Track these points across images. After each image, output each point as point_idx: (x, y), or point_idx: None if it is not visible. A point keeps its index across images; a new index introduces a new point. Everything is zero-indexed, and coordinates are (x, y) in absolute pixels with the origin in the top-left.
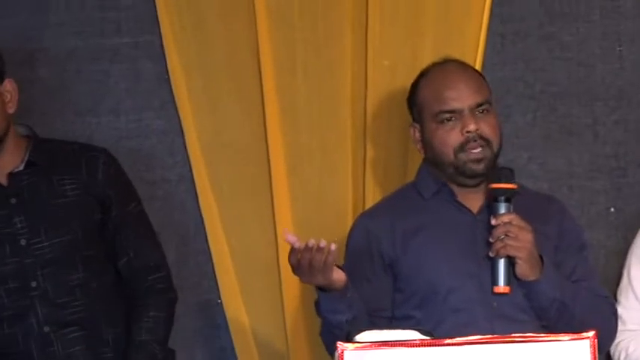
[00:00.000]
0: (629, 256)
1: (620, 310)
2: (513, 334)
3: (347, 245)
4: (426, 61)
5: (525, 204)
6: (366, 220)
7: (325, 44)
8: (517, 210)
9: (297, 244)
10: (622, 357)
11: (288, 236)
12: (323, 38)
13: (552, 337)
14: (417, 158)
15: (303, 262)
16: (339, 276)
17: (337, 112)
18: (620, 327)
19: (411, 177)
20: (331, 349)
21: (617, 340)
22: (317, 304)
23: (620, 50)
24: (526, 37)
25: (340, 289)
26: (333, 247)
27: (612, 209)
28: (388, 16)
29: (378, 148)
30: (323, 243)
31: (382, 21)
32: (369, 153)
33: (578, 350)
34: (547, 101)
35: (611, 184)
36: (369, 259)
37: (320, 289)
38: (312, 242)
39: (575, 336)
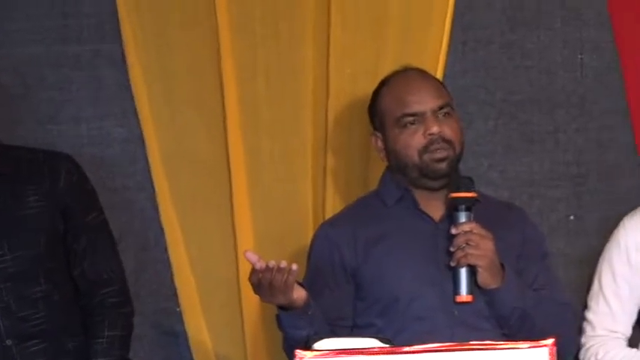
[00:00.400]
0: (600, 261)
1: (590, 315)
2: (472, 342)
3: (309, 254)
4: (387, 68)
5: (486, 212)
6: (327, 228)
7: (287, 52)
8: (478, 218)
9: (257, 265)
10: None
11: (249, 254)
12: (285, 46)
13: (511, 344)
14: (378, 167)
15: (263, 282)
16: (299, 294)
17: (298, 119)
18: (590, 332)
19: (372, 185)
20: None
21: (587, 346)
22: (278, 318)
23: (581, 58)
24: (488, 45)
25: (301, 307)
26: (294, 267)
27: (572, 217)
28: (350, 23)
29: (339, 156)
30: (283, 264)
31: (344, 28)
32: (330, 161)
33: (537, 358)
34: (508, 109)
35: (572, 192)
36: (330, 269)
37: (281, 307)
38: (272, 263)
39: (534, 344)
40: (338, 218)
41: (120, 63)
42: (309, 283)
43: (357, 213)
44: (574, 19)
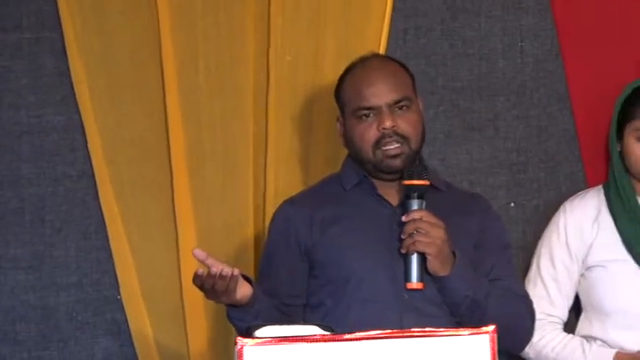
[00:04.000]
0: (539, 245)
1: None
2: (413, 329)
3: (269, 230)
4: (328, 56)
5: (446, 200)
6: (287, 207)
7: (227, 42)
8: (437, 206)
9: (199, 271)
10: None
11: (197, 252)
12: (225, 36)
13: (452, 331)
14: (319, 155)
15: (206, 286)
16: (244, 293)
17: (239, 109)
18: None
19: (313, 174)
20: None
21: None
22: (227, 310)
23: (521, 45)
24: (428, 33)
25: (246, 303)
26: (236, 273)
27: (512, 204)
28: (290, 11)
29: (280, 145)
30: (226, 271)
31: (284, 17)
32: (271, 150)
33: (477, 345)
34: (449, 96)
35: (512, 179)
36: (286, 246)
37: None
38: (214, 270)
39: (475, 330)
40: (299, 197)
41: (60, 51)
42: (266, 259)
43: (317, 193)
44: (514, 7)
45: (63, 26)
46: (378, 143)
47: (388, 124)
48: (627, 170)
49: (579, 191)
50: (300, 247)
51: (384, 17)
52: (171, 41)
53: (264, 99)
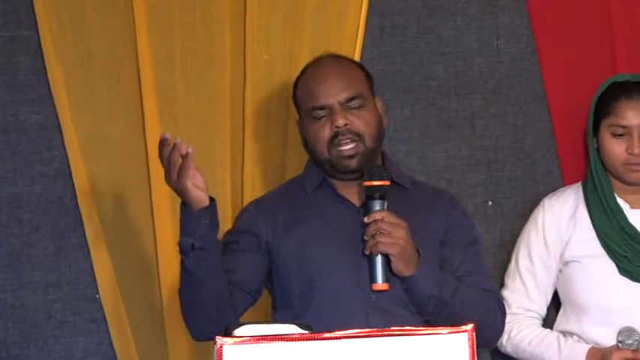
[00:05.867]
0: (518, 240)
1: (506, 293)
2: (392, 328)
3: (233, 224)
4: (304, 54)
5: (413, 198)
6: (252, 207)
7: (204, 40)
8: (403, 204)
9: (161, 135)
10: (504, 340)
11: (164, 135)
12: (201, 34)
13: (431, 330)
14: (296, 153)
15: (162, 156)
16: (197, 193)
17: (216, 107)
18: (505, 310)
19: (290, 172)
20: (185, 310)
21: None
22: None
23: (497, 44)
24: (404, 31)
25: (197, 209)
26: (190, 150)
27: (490, 202)
28: (267, 10)
29: (257, 143)
30: (178, 140)
31: (260, 15)
32: (248, 148)
33: (456, 343)
34: (425, 95)
35: (490, 178)
36: (245, 237)
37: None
38: (167, 135)
39: (454, 329)
40: (264, 198)
41: (36, 49)
42: (224, 245)
43: (281, 196)
44: (490, 5)
45: (39, 25)
46: (332, 141)
47: (341, 122)
48: (605, 167)
49: (556, 189)
50: (260, 242)
51: (360, 16)
52: (148, 39)
53: (240, 97)
